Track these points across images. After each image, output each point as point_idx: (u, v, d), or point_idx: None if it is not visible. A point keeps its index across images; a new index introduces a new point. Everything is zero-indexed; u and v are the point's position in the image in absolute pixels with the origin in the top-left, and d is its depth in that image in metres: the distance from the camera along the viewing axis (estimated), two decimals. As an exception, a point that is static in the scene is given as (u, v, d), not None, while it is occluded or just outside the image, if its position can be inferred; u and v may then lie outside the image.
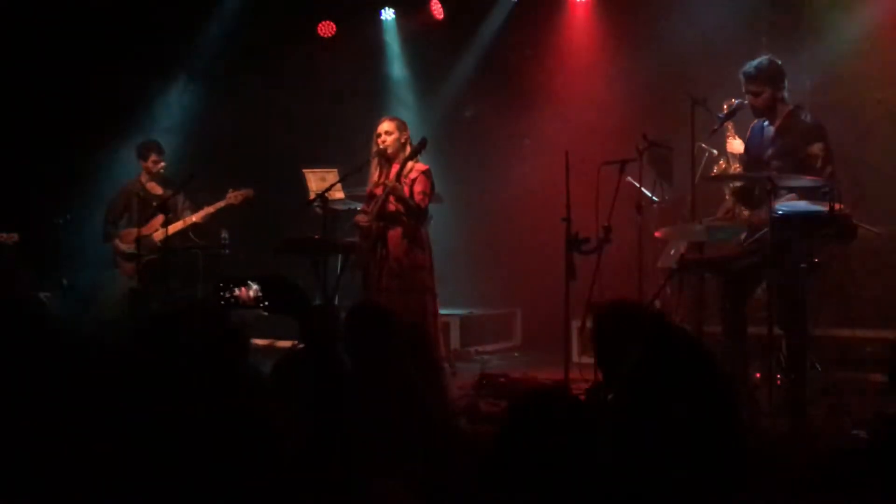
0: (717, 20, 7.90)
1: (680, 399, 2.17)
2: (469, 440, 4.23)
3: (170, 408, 2.88)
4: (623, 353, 2.65)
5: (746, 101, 5.85)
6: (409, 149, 6.56)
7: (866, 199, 6.75)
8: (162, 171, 7.98)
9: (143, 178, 7.99)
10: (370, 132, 6.72)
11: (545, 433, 2.15)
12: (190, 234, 7.83)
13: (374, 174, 6.68)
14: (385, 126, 6.63)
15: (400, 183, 6.46)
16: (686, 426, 2.16)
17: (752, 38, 7.89)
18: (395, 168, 6.56)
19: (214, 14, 9.35)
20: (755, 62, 5.71)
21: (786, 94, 5.63)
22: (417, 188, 6.51)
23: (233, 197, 7.73)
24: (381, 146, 6.58)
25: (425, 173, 6.56)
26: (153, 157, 7.93)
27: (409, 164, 6.54)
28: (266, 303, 7.27)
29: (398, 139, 6.59)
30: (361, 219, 6.66)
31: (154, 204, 7.63)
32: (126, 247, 7.81)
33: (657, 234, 6.37)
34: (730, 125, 6.73)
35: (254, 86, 9.36)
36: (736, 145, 7.16)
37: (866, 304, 7.08)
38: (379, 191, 6.55)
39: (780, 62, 5.69)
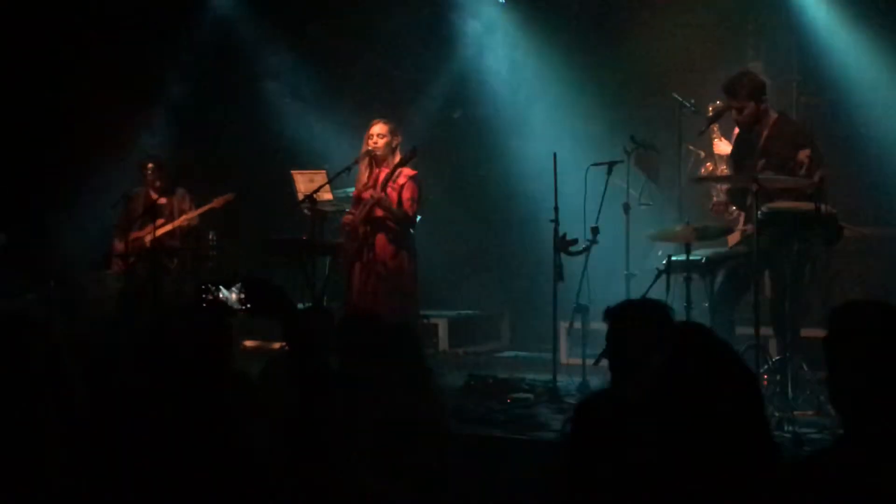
0: (704, 21, 7.93)
1: (711, 399, 2.15)
2: (458, 441, 4.24)
3: (158, 409, 2.88)
4: (643, 355, 2.65)
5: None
6: (398, 154, 6.56)
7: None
8: (159, 181, 8.05)
9: (145, 187, 8.08)
10: (360, 133, 6.71)
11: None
12: (190, 236, 8.00)
13: (363, 175, 6.67)
14: (377, 128, 6.62)
15: (387, 190, 6.46)
16: (718, 425, 2.15)
17: (739, 38, 7.93)
18: (383, 172, 6.54)
19: (205, 13, 9.34)
20: (733, 77, 5.74)
21: (768, 105, 5.65)
22: (406, 195, 6.50)
23: (215, 201, 7.92)
24: (371, 147, 6.57)
25: (414, 179, 6.54)
26: (151, 169, 8.03)
27: (398, 170, 6.53)
28: (249, 305, 7.26)
29: (389, 143, 6.58)
30: (349, 219, 6.66)
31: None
32: (122, 248, 7.90)
33: (644, 235, 6.39)
34: (715, 127, 6.76)
35: (243, 86, 9.35)
36: (723, 147, 7.20)
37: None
38: (367, 195, 6.55)
39: (756, 74, 5.71)
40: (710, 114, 6.43)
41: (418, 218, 6.65)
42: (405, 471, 3.14)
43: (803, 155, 5.37)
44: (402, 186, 6.51)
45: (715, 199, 6.85)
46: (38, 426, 2.89)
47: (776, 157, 5.54)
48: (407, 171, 6.55)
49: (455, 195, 8.86)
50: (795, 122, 5.85)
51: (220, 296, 6.71)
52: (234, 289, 6.78)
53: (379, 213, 6.49)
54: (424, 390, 3.52)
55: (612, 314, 3.27)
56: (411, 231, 6.62)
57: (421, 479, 3.25)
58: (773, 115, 5.67)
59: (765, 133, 5.65)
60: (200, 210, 7.91)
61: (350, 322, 4.20)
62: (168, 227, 7.82)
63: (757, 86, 5.64)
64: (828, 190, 5.33)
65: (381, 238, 6.52)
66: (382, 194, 6.43)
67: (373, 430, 3.21)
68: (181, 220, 7.92)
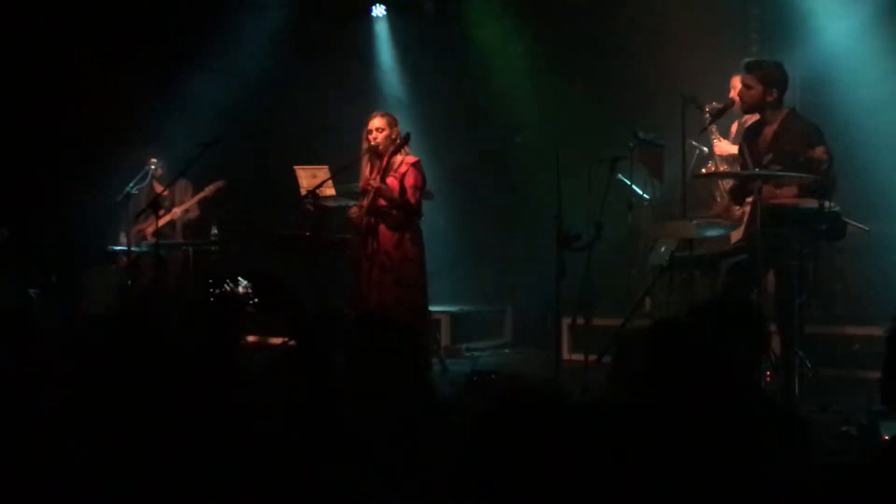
0: (708, 18, 7.92)
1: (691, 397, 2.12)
2: (460, 437, 4.22)
3: (160, 405, 2.88)
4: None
5: (729, 103, 5.90)
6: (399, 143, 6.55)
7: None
8: (161, 169, 8.21)
9: (149, 181, 8.20)
10: (362, 128, 6.70)
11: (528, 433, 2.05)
12: (190, 229, 8.19)
13: (366, 170, 6.66)
14: (376, 122, 6.60)
15: (387, 180, 6.45)
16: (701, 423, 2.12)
17: (742, 35, 7.91)
18: (385, 163, 6.54)
19: (210, 11, 9.34)
20: (763, 59, 5.75)
21: (779, 100, 5.64)
22: (408, 182, 6.48)
23: (206, 190, 8.09)
24: (372, 143, 6.55)
25: (415, 165, 6.52)
26: (154, 163, 8.20)
27: (399, 157, 6.51)
28: (256, 300, 7.27)
29: (389, 135, 6.56)
30: (354, 212, 6.66)
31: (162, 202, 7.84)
32: (126, 242, 8.00)
33: (648, 232, 6.39)
34: (714, 128, 6.76)
35: (245, 82, 9.34)
36: (723, 146, 7.20)
37: (854, 302, 7.11)
38: (370, 186, 6.54)
39: (784, 72, 5.70)
40: (707, 113, 6.43)
41: (422, 212, 6.63)
42: (408, 470, 3.14)
43: (820, 151, 5.33)
44: (403, 174, 6.49)
45: (718, 199, 6.84)
46: (36, 423, 2.89)
47: (784, 153, 5.52)
48: (409, 159, 6.53)
49: (457, 190, 8.85)
50: (806, 120, 5.83)
51: (228, 290, 6.72)
52: (241, 283, 6.80)
53: (382, 202, 6.48)
54: (418, 387, 3.51)
55: (699, 313, 3.09)
56: (416, 220, 6.60)
57: (423, 476, 3.25)
58: (784, 111, 5.64)
59: (773, 128, 5.63)
60: (194, 199, 7.98)
61: (358, 319, 4.18)
62: (167, 218, 7.86)
63: (775, 77, 5.61)
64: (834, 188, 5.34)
65: (383, 228, 6.51)
66: (382, 185, 6.42)
67: (377, 429, 3.21)
68: (178, 211, 8.00)
